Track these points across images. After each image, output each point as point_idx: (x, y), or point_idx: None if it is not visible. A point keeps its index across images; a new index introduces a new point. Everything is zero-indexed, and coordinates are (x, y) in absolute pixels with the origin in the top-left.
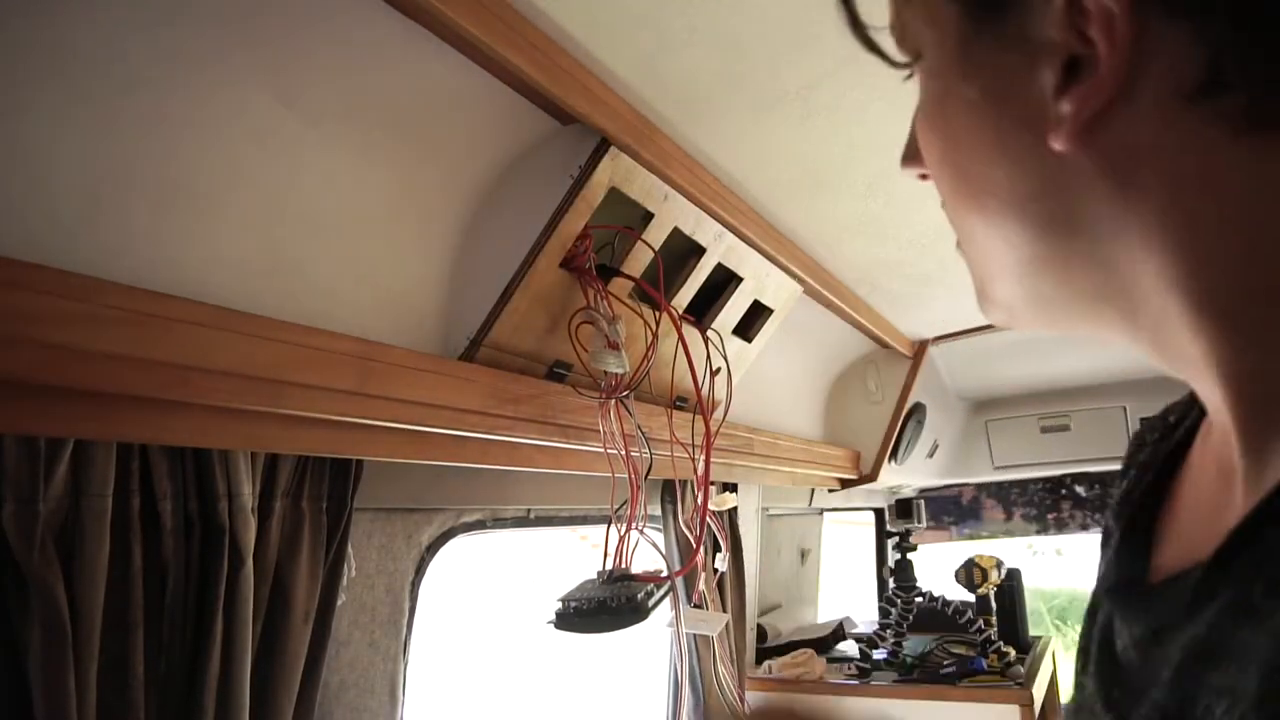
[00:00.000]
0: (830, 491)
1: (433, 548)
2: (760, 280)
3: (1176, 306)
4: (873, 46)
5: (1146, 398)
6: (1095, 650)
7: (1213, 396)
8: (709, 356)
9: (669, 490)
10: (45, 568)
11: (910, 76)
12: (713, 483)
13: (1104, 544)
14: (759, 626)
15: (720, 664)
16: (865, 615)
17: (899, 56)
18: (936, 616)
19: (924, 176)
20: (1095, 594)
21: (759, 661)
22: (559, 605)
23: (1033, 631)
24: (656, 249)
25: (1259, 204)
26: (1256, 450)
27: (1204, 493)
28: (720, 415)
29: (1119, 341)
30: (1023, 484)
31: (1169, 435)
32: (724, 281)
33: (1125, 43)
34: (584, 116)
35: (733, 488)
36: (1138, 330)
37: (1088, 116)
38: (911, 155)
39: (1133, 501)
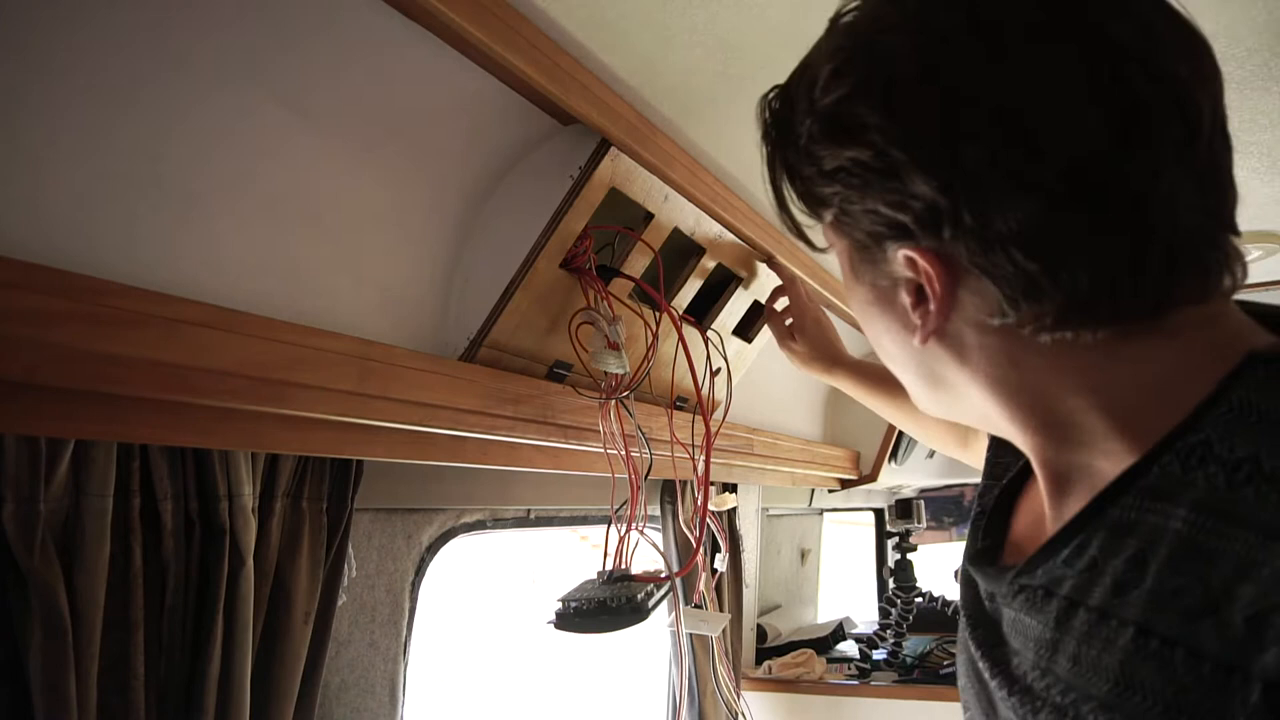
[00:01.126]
0: (830, 492)
1: (433, 548)
2: (760, 280)
3: (1007, 425)
4: (801, 237)
5: None
6: (966, 594)
7: (1034, 467)
8: (709, 357)
9: (669, 490)
10: (45, 568)
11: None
12: (713, 483)
13: (972, 519)
14: (759, 627)
15: (719, 664)
16: (865, 615)
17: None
18: (936, 616)
19: None
20: (965, 558)
21: (759, 662)
22: (559, 605)
23: None
24: (656, 249)
25: (1042, 373)
26: (1054, 507)
27: (1033, 514)
28: (720, 415)
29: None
30: None
31: (1019, 458)
32: (724, 282)
33: (941, 292)
34: (584, 117)
35: (733, 488)
36: (998, 431)
37: (931, 329)
38: None
39: (993, 500)
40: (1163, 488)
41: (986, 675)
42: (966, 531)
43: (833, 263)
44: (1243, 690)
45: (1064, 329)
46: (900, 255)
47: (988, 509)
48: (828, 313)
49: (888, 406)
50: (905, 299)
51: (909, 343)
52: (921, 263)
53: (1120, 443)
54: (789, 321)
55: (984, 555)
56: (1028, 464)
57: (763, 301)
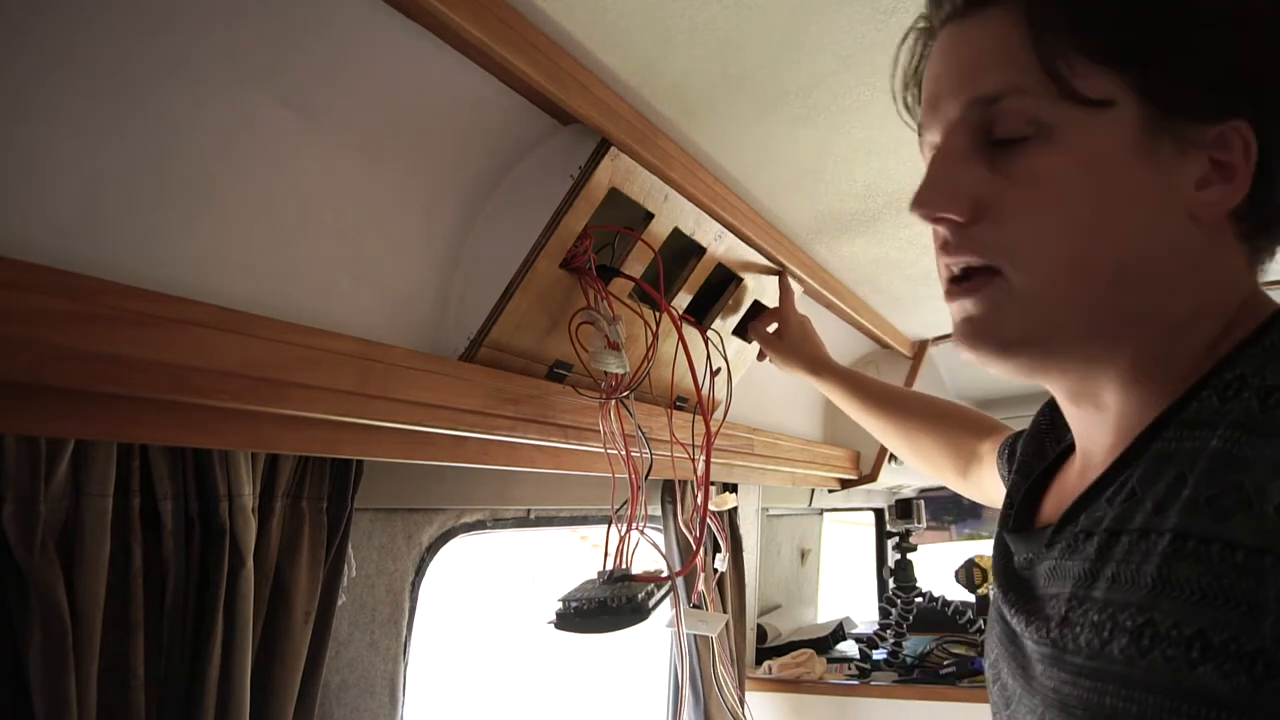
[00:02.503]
0: (830, 491)
1: (433, 548)
2: (760, 280)
3: (1128, 367)
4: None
5: None
6: (998, 565)
7: (1100, 436)
8: (709, 356)
9: (669, 490)
10: (45, 568)
11: (1024, 139)
12: (713, 483)
13: (1007, 496)
14: (759, 627)
15: (720, 664)
16: (865, 615)
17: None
18: (936, 616)
19: (937, 221)
20: (999, 530)
21: (759, 662)
22: (559, 605)
23: None
24: (656, 249)
25: (1228, 283)
26: (1100, 464)
27: (1066, 487)
28: (720, 415)
29: (1053, 390)
30: None
31: (1061, 441)
32: (724, 282)
33: (1249, 171)
34: (584, 117)
35: (733, 488)
36: (1083, 383)
37: (1226, 208)
38: (954, 203)
39: (1031, 477)
40: (1201, 418)
41: (1019, 630)
42: (1000, 516)
43: (834, 263)
44: (1275, 570)
45: (1261, 240)
46: (1220, 126)
47: (1016, 502)
48: (827, 314)
49: (881, 422)
50: (1195, 176)
51: (1177, 228)
52: (1243, 136)
53: (1169, 375)
54: (772, 327)
55: (1020, 523)
56: (1061, 453)
57: (763, 302)
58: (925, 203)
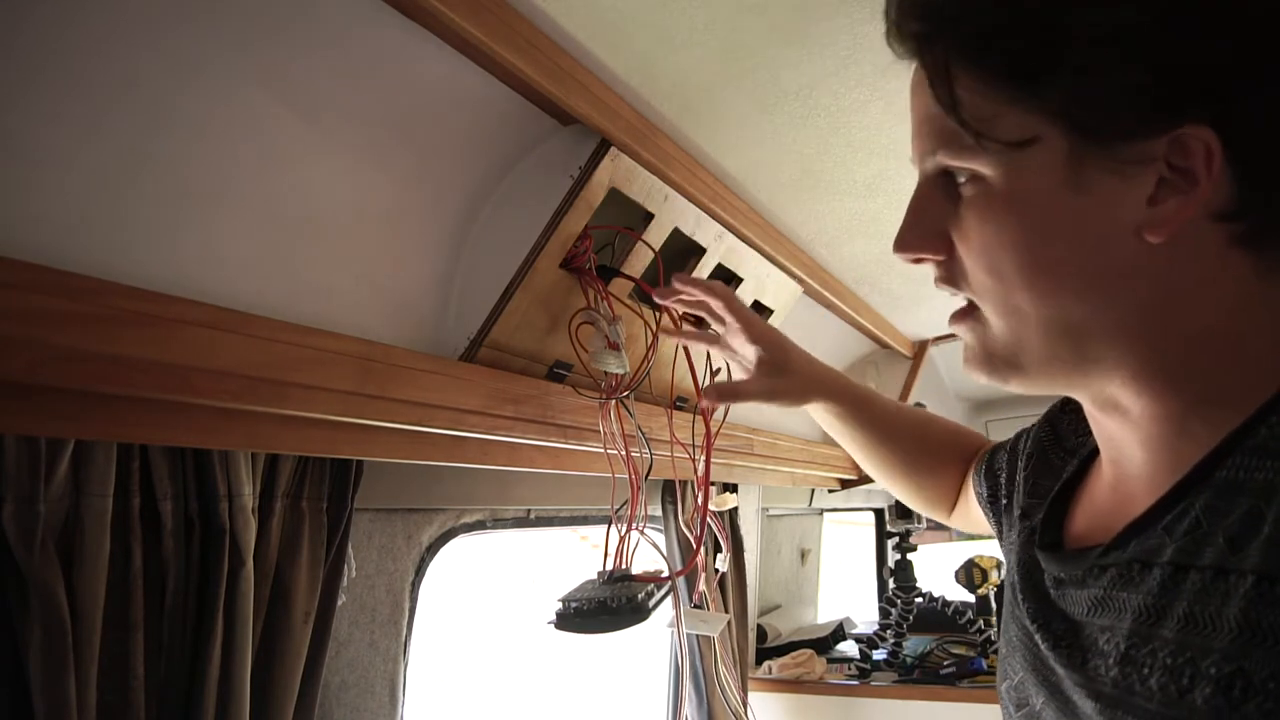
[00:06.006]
0: (830, 491)
1: (433, 548)
2: (760, 280)
3: (1138, 378)
4: (978, 135)
5: None
6: (1025, 584)
7: (1131, 450)
8: (709, 357)
9: (669, 490)
10: (45, 568)
11: (965, 182)
12: (713, 483)
13: (1023, 515)
14: (759, 626)
15: (721, 664)
16: (865, 615)
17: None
18: (936, 617)
19: (919, 260)
20: (1021, 549)
21: (759, 662)
22: (559, 605)
23: None
24: (656, 249)
25: (1228, 300)
26: (1149, 481)
27: (1098, 503)
28: (720, 415)
29: (1085, 396)
30: None
31: (1077, 454)
32: (724, 282)
33: (1215, 175)
34: (584, 117)
35: (733, 488)
36: (1095, 390)
37: (1183, 219)
38: (926, 243)
39: (1050, 495)
40: (1272, 446)
41: (1049, 656)
42: (1014, 528)
43: (834, 263)
44: None
45: (1256, 244)
46: (1169, 135)
47: (1037, 522)
48: (827, 314)
49: (884, 451)
50: (1143, 192)
51: (1125, 250)
52: (1200, 140)
53: (1227, 400)
54: (749, 352)
55: (1054, 542)
56: (1084, 463)
57: (763, 302)
58: (902, 244)
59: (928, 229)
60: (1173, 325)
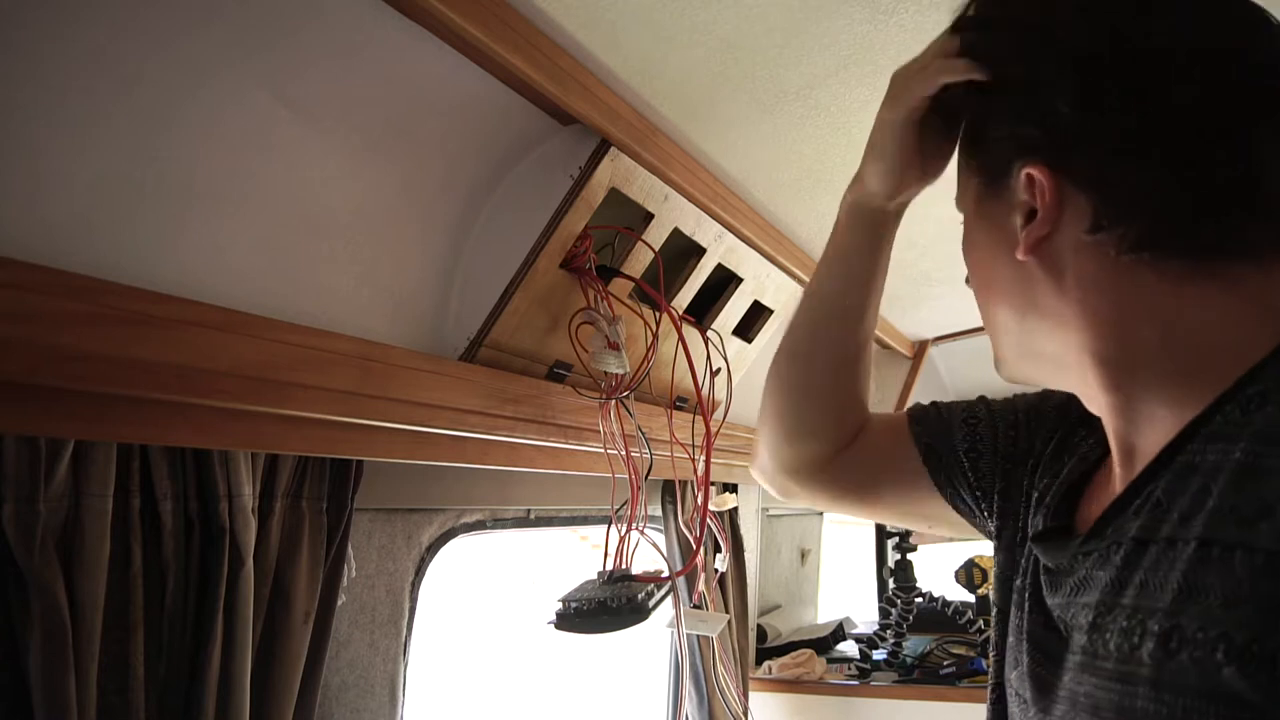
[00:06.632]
0: None
1: (433, 548)
2: (760, 280)
3: (1089, 367)
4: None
5: None
6: (1032, 580)
7: (1107, 433)
8: (709, 357)
9: (669, 490)
10: (45, 568)
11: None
12: (713, 483)
13: (1037, 502)
14: (759, 627)
15: (721, 664)
16: (865, 615)
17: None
18: (936, 617)
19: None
20: (1029, 538)
21: (759, 662)
22: (559, 605)
23: None
24: (656, 249)
25: (1122, 296)
26: (1125, 470)
27: (1098, 499)
28: (720, 415)
29: (1075, 391)
30: None
31: (1100, 443)
32: (724, 282)
33: (1051, 203)
34: (584, 117)
35: (733, 488)
36: (1076, 384)
37: (1033, 240)
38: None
39: (1067, 483)
40: (1224, 431)
41: (1044, 644)
42: (1033, 513)
43: None
44: None
45: (1145, 249)
46: (1022, 175)
47: (1046, 516)
48: None
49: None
50: (1017, 221)
51: (1011, 265)
52: (1038, 178)
53: (1184, 390)
54: None
55: (1049, 534)
56: (1096, 459)
57: (763, 302)
58: (968, 277)
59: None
60: (1090, 323)
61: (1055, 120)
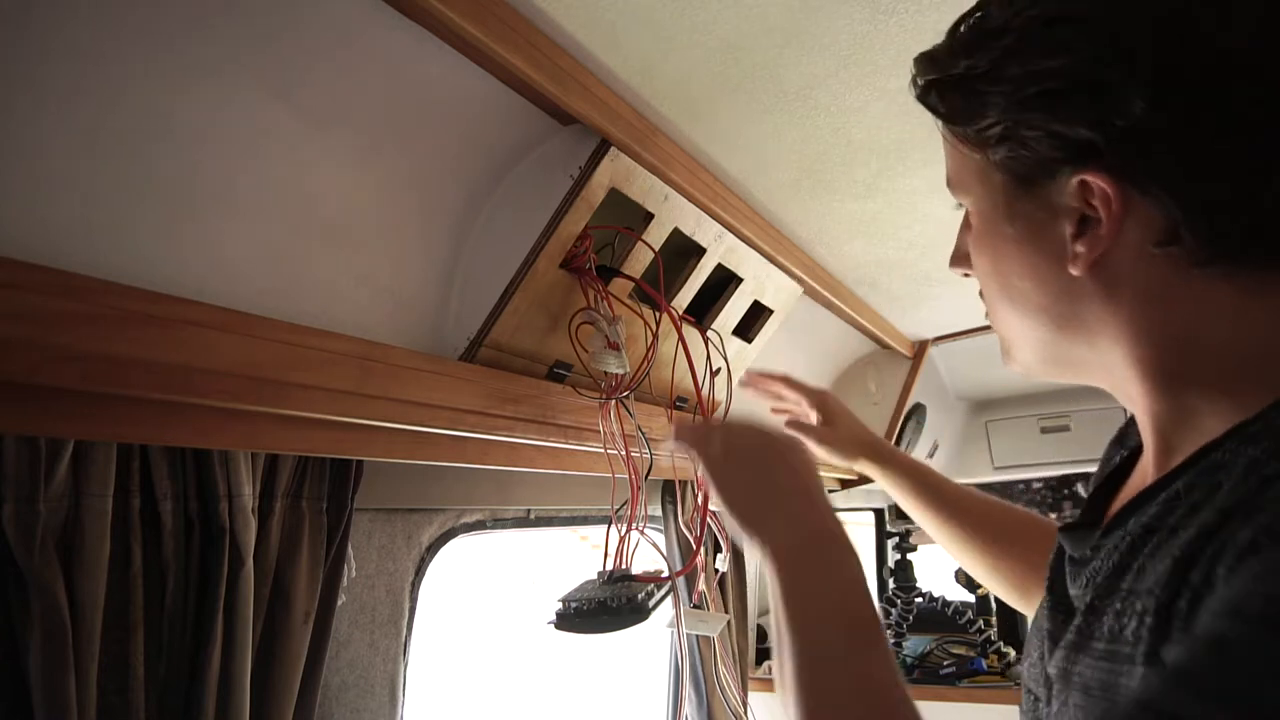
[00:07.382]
0: (830, 492)
1: (433, 548)
2: (760, 280)
3: (1131, 376)
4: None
5: None
6: (1053, 569)
7: (1144, 433)
8: (709, 357)
9: (669, 490)
10: (45, 568)
11: (959, 206)
12: None
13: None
14: (759, 626)
15: (721, 664)
16: None
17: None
18: (936, 617)
19: (967, 275)
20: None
21: (759, 661)
22: (559, 605)
23: None
24: (656, 249)
25: (1187, 310)
26: (1160, 468)
27: (1131, 487)
28: (720, 415)
29: (1099, 386)
30: (1026, 484)
31: (1125, 446)
32: (724, 282)
33: (1116, 214)
34: (584, 117)
35: None
36: (1111, 386)
37: (1098, 253)
38: (960, 261)
39: (1101, 478)
40: (1259, 434)
41: (1050, 626)
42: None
43: (834, 263)
44: (1217, 549)
45: (1223, 261)
46: (1074, 181)
47: (1086, 500)
48: (827, 315)
49: (954, 533)
50: (1066, 230)
51: (1057, 278)
52: (1098, 186)
53: (1240, 398)
54: (813, 416)
55: (1076, 526)
56: (1128, 458)
57: (763, 302)
58: (952, 260)
59: (958, 248)
60: (1145, 337)
61: (1121, 124)
